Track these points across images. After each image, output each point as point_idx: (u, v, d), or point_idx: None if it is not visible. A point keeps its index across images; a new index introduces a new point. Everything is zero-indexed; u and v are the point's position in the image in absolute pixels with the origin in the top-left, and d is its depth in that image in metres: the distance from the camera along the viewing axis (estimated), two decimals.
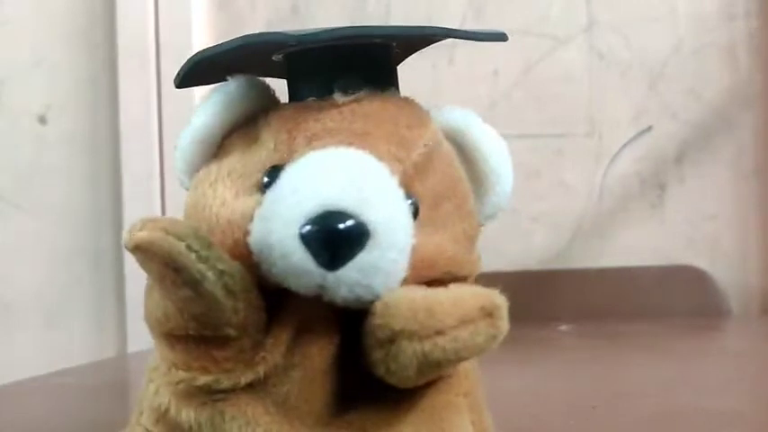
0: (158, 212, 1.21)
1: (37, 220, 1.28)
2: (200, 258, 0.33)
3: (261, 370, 0.36)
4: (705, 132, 1.17)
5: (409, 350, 0.34)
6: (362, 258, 0.34)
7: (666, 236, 1.17)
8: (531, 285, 1.10)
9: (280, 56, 0.41)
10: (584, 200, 1.17)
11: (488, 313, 0.34)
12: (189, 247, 0.33)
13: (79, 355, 1.17)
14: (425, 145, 0.39)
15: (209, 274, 0.33)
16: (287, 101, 0.42)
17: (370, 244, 0.33)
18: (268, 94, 0.42)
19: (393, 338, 0.34)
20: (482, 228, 0.43)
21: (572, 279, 1.14)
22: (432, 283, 0.38)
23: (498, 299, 0.35)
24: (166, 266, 0.33)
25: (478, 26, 1.19)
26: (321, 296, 0.35)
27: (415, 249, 0.36)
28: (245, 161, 0.39)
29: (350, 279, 0.34)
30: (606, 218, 1.17)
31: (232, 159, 0.40)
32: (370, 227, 0.33)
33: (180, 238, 0.33)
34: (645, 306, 1.13)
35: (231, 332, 0.35)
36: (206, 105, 0.41)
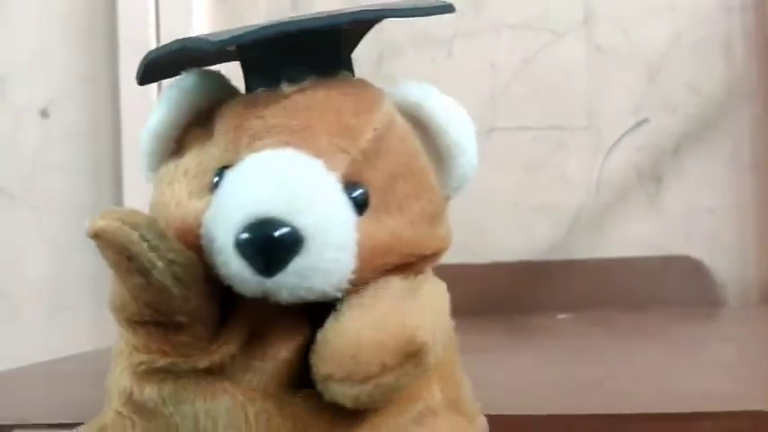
0: None
1: (39, 212, 1.28)
2: (151, 248, 0.35)
3: (217, 357, 0.37)
4: (702, 125, 1.17)
5: (339, 392, 0.35)
6: (298, 263, 0.34)
7: (664, 227, 1.17)
8: (531, 276, 1.10)
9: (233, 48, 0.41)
10: (583, 192, 1.17)
11: (412, 355, 0.34)
12: (142, 237, 0.35)
13: (80, 345, 1.17)
14: (375, 129, 0.39)
15: (159, 264, 0.35)
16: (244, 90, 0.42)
17: (305, 248, 0.34)
18: (224, 84, 0.42)
19: (325, 380, 0.35)
20: (448, 200, 0.42)
21: (571, 270, 1.14)
22: (396, 268, 0.39)
23: (423, 335, 0.34)
24: (120, 254, 0.35)
25: (478, 21, 1.19)
26: (267, 298, 0.35)
27: (364, 240, 0.37)
28: (200, 159, 0.40)
29: (289, 283, 0.35)
30: (604, 209, 1.17)
31: (188, 157, 0.40)
32: (302, 231, 0.34)
33: (134, 228, 0.35)
34: (642, 296, 1.13)
35: (183, 319, 0.36)
36: (161, 102, 0.41)
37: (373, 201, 0.38)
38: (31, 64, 1.29)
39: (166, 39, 1.21)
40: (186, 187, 0.39)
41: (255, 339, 0.37)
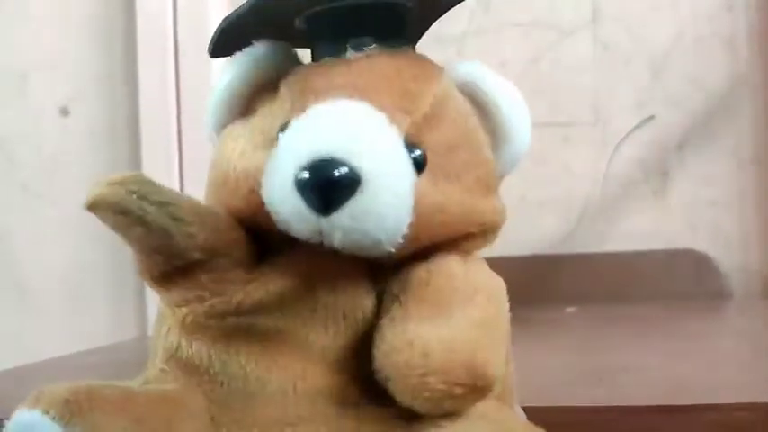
0: None
1: (60, 208, 1.28)
2: (139, 196, 0.35)
3: (254, 291, 0.36)
4: (706, 121, 1.16)
5: (397, 395, 0.35)
6: (354, 203, 0.34)
7: (669, 221, 1.16)
8: (538, 269, 1.10)
9: (302, 23, 0.41)
10: (590, 186, 1.17)
11: (480, 390, 0.34)
12: (129, 191, 0.35)
13: (101, 338, 1.17)
14: (434, 95, 0.39)
15: (150, 208, 0.35)
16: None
17: (361, 189, 0.34)
18: (291, 57, 0.42)
19: (384, 379, 0.35)
20: (502, 179, 0.42)
21: (577, 263, 1.14)
22: (452, 241, 0.38)
23: (492, 371, 0.34)
24: (116, 213, 0.35)
25: (487, 21, 1.18)
26: (321, 242, 0.35)
27: (421, 198, 0.36)
28: (267, 119, 0.39)
29: (343, 224, 0.34)
30: (610, 204, 1.17)
31: (256, 118, 0.40)
32: (361, 173, 0.34)
33: (121, 185, 0.35)
34: (648, 289, 1.13)
35: (197, 254, 0.36)
36: (231, 66, 0.41)
37: (430, 165, 0.38)
38: (51, 63, 1.29)
39: (184, 38, 1.21)
40: (252, 141, 0.39)
41: (305, 286, 0.37)
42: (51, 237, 1.29)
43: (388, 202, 0.35)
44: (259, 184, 0.36)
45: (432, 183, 0.38)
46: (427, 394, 0.34)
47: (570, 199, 1.16)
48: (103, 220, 0.36)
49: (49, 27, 1.30)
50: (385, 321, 0.36)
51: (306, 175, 0.34)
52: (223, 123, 0.42)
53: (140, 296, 1.24)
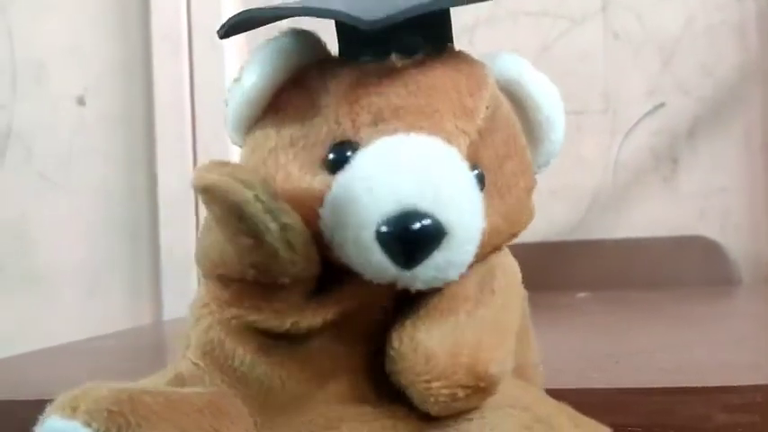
0: (191, 190, 1.21)
1: (76, 196, 1.28)
2: (265, 209, 0.32)
3: (310, 319, 0.35)
4: (716, 108, 1.15)
5: (412, 398, 0.35)
6: (439, 257, 0.33)
7: (679, 208, 1.16)
8: (550, 255, 1.10)
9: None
10: (600, 174, 1.16)
11: (482, 389, 0.34)
12: (256, 197, 0.32)
13: (117, 324, 1.17)
14: (487, 107, 0.38)
15: (273, 226, 0.32)
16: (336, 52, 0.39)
17: (447, 242, 0.32)
18: (317, 45, 0.39)
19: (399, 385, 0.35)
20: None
21: (589, 249, 1.13)
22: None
23: (494, 368, 0.34)
24: (231, 213, 0.32)
25: (498, 10, 1.18)
26: (395, 284, 0.34)
27: (485, 221, 0.35)
28: (306, 130, 0.37)
29: (426, 275, 0.33)
30: (621, 191, 1.16)
31: (291, 125, 0.37)
32: (447, 226, 0.32)
33: (248, 187, 0.32)
34: (658, 275, 1.12)
35: (286, 281, 0.34)
36: (255, 63, 0.38)
37: (486, 182, 0.37)
38: (67, 53, 1.29)
39: (198, 28, 1.21)
40: (294, 159, 0.36)
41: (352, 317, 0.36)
42: (68, 224, 1.29)
43: (468, 250, 0.34)
44: (315, 216, 0.34)
45: (489, 204, 0.36)
46: (433, 399, 0.34)
47: (581, 186, 1.16)
48: (209, 207, 0.33)
49: (66, 18, 1.29)
50: (396, 326, 0.36)
51: (391, 228, 0.32)
52: (248, 124, 0.39)
53: (156, 283, 1.23)
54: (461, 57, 0.39)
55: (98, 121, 1.29)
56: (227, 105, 0.39)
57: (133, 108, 1.27)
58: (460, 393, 0.33)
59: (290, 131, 0.37)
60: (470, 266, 0.36)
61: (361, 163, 0.34)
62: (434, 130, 0.35)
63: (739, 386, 0.49)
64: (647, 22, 1.17)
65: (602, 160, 1.17)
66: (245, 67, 0.38)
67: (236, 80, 0.38)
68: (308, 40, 0.39)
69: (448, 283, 0.36)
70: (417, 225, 0.32)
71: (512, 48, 1.17)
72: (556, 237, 1.14)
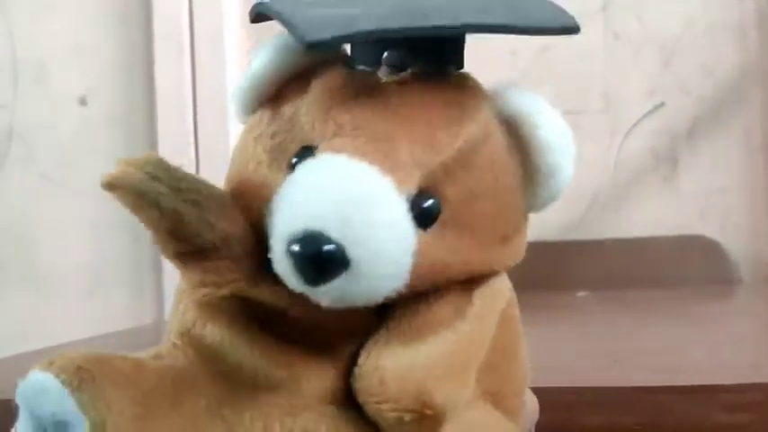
0: None
1: (78, 196, 1.28)
2: (155, 179, 0.34)
3: (268, 285, 0.35)
4: (716, 108, 1.16)
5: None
6: (342, 283, 0.33)
7: (679, 207, 1.16)
8: (551, 255, 1.10)
9: None
10: (600, 173, 1.16)
11: (427, 418, 0.34)
12: (147, 173, 0.34)
13: (119, 323, 1.17)
14: (465, 141, 0.36)
15: (165, 190, 0.34)
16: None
17: (350, 271, 0.32)
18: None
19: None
20: (529, 217, 0.40)
21: (589, 249, 1.13)
22: (450, 284, 0.37)
23: (439, 399, 0.34)
24: (131, 195, 0.34)
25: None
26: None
27: (422, 260, 0.34)
28: (288, 126, 0.38)
29: (332, 296, 0.33)
30: (621, 190, 1.16)
31: (279, 118, 0.38)
32: (350, 256, 0.32)
33: (139, 167, 0.34)
34: (658, 275, 1.12)
35: (212, 240, 0.35)
36: (266, 50, 0.39)
37: (444, 215, 0.36)
38: (69, 53, 1.29)
39: (200, 28, 1.21)
40: (270, 152, 0.38)
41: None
42: (70, 224, 1.29)
43: (377, 285, 0.33)
44: (268, 210, 0.35)
45: (439, 237, 0.36)
46: (383, 421, 0.35)
47: (581, 186, 1.16)
48: (120, 200, 0.35)
49: (68, 17, 1.30)
50: (369, 342, 0.36)
51: (296, 247, 0.32)
52: (252, 106, 0.40)
53: (158, 282, 1.24)
54: (456, 83, 0.38)
55: (100, 120, 1.29)
56: (236, 88, 0.40)
57: (135, 108, 1.27)
58: (407, 417, 0.34)
59: (276, 124, 0.38)
60: (447, 287, 0.36)
61: (296, 175, 0.34)
62: (379, 157, 0.35)
63: (738, 385, 0.49)
64: (647, 22, 1.17)
65: (602, 160, 1.17)
66: (256, 52, 0.39)
67: (249, 64, 0.40)
68: None
69: (427, 304, 0.36)
70: (318, 249, 0.32)
71: (512, 48, 1.18)
72: (556, 236, 1.14)
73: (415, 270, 0.34)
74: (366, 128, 0.36)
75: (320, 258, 0.32)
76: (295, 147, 0.37)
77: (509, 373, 0.39)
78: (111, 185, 0.34)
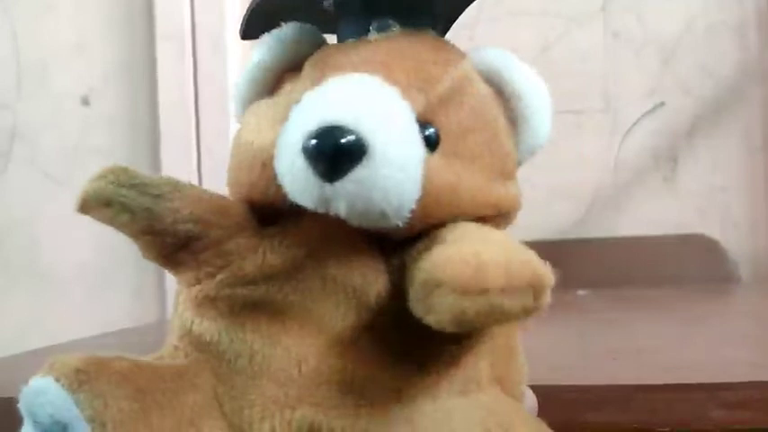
0: None
1: None
2: (116, 184, 0.35)
3: (257, 257, 0.36)
4: (716, 107, 1.16)
5: (446, 303, 0.31)
6: (359, 172, 0.33)
7: (679, 206, 1.16)
8: (551, 254, 1.08)
9: (330, 4, 0.41)
10: (601, 172, 1.17)
11: (537, 288, 0.32)
12: (107, 182, 0.35)
13: (122, 322, 1.18)
14: (452, 78, 0.38)
15: (127, 192, 0.35)
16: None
17: (367, 158, 0.33)
18: (319, 40, 0.41)
19: (432, 288, 0.31)
20: (519, 166, 0.41)
21: (589, 248, 1.13)
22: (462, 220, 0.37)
23: (547, 278, 0.32)
24: (101, 207, 0.35)
25: (499, 9, 1.18)
26: (327, 210, 0.34)
27: (431, 176, 0.35)
28: (288, 96, 0.39)
29: (348, 192, 0.33)
30: (621, 189, 1.17)
31: (279, 96, 0.40)
32: (367, 142, 0.33)
33: (98, 179, 0.35)
34: (658, 273, 1.12)
35: (184, 227, 0.36)
36: (259, 47, 0.41)
37: (444, 145, 0.37)
38: (71, 53, 1.29)
39: (201, 29, 1.21)
40: (270, 118, 0.38)
41: (310, 259, 0.36)
42: (73, 224, 1.29)
43: (393, 174, 0.33)
44: (272, 158, 0.36)
45: (444, 161, 0.37)
46: (479, 288, 0.31)
47: (582, 185, 1.16)
48: (95, 217, 0.36)
49: (70, 17, 1.30)
50: (416, 259, 0.35)
51: (312, 141, 0.33)
52: (250, 103, 0.41)
53: (160, 281, 1.24)
54: (437, 39, 0.41)
55: (102, 120, 1.29)
56: (235, 85, 0.42)
57: (137, 108, 1.27)
58: (515, 282, 0.31)
59: (275, 100, 0.40)
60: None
61: (305, 98, 0.35)
62: (382, 74, 0.36)
63: (736, 383, 0.49)
64: (647, 22, 1.17)
65: (602, 159, 1.17)
66: (253, 50, 0.41)
67: (247, 62, 0.42)
68: (310, 34, 0.41)
69: (446, 231, 0.36)
70: (337, 137, 0.33)
71: (512, 47, 1.17)
72: (557, 235, 1.14)
73: (427, 187, 0.35)
74: (362, 62, 0.37)
75: (339, 147, 0.33)
76: (293, 104, 0.37)
77: (513, 361, 0.40)
78: (84, 206, 0.35)
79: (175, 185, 0.36)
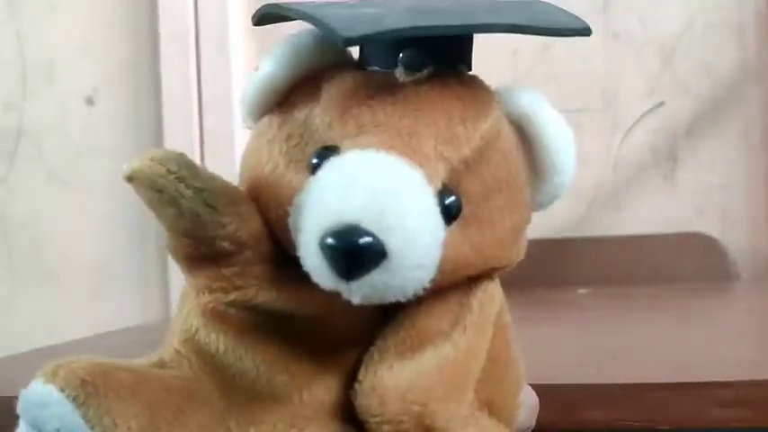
0: None
1: (86, 195, 1.28)
2: (178, 178, 0.34)
3: (273, 288, 0.36)
4: (715, 107, 1.15)
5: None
6: (377, 275, 0.32)
7: (678, 205, 1.16)
8: (552, 252, 1.09)
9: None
10: (601, 171, 1.16)
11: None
12: (168, 170, 0.34)
13: (126, 320, 1.17)
14: (481, 137, 0.37)
15: (187, 192, 0.34)
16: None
17: (386, 263, 0.32)
18: (338, 49, 0.39)
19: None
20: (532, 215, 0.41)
21: (589, 246, 1.13)
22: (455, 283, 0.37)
23: (438, 419, 0.35)
24: (152, 190, 0.34)
25: None
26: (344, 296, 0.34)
27: (448, 254, 0.35)
28: (303, 128, 0.38)
29: (364, 291, 0.33)
30: (621, 188, 1.16)
31: (292, 121, 0.38)
32: (387, 247, 0.32)
33: (162, 163, 0.35)
34: (658, 272, 1.12)
35: (226, 245, 0.35)
36: (274, 55, 0.39)
37: (465, 211, 0.36)
38: (77, 53, 1.29)
39: (205, 28, 1.21)
40: (286, 154, 0.37)
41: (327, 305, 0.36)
42: (78, 223, 1.29)
43: (411, 276, 0.33)
44: (286, 213, 0.35)
45: (461, 232, 0.36)
46: None
47: (582, 184, 1.15)
48: (139, 193, 0.35)
49: (75, 18, 1.29)
50: (366, 356, 0.36)
51: (330, 240, 0.32)
52: (261, 112, 0.40)
53: (164, 280, 1.24)
54: (469, 82, 0.39)
55: (107, 120, 1.29)
56: (243, 93, 0.40)
57: (142, 107, 1.27)
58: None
59: (289, 127, 0.38)
60: (447, 292, 0.37)
61: (325, 172, 0.34)
62: (406, 151, 0.35)
63: (734, 381, 0.49)
64: (647, 22, 1.17)
65: (602, 158, 1.17)
66: (264, 58, 0.39)
67: (256, 69, 0.39)
68: (327, 43, 0.39)
69: (427, 311, 0.36)
70: (356, 241, 0.32)
71: (513, 47, 1.18)
72: (557, 233, 1.13)
73: (441, 265, 0.34)
74: (389, 124, 0.36)
75: (357, 251, 0.32)
76: (312, 148, 0.37)
77: (503, 380, 0.39)
78: (131, 178, 0.35)
79: (232, 199, 0.35)
